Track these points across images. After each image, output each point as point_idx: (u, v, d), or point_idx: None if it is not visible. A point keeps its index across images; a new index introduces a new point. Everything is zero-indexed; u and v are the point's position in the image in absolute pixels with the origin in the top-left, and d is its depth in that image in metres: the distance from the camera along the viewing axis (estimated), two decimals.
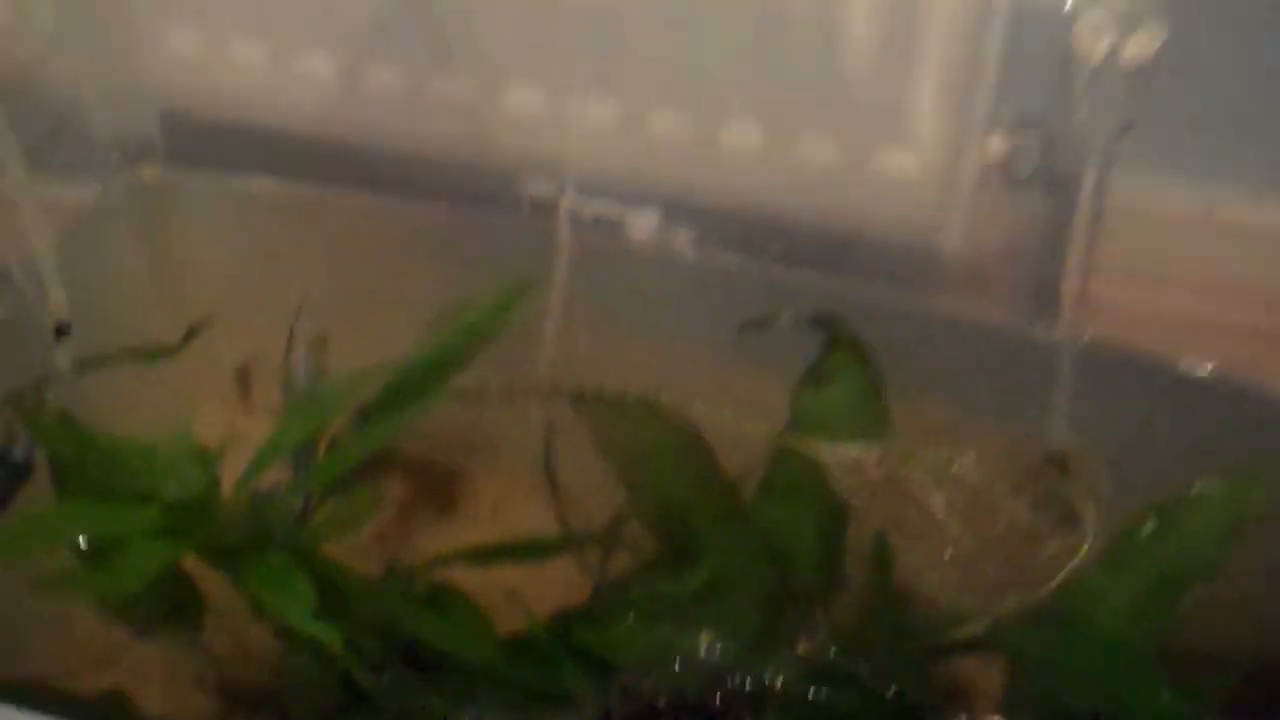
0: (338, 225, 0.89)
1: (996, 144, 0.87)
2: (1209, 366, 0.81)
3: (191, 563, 0.71)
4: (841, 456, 0.69)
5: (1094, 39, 0.82)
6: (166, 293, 0.92)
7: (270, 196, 0.90)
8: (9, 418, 0.75)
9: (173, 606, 0.73)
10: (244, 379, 0.87)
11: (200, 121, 0.93)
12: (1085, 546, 0.67)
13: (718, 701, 0.74)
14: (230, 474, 0.70)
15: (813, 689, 0.72)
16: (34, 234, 0.75)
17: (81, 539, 0.66)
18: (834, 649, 0.73)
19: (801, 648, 0.74)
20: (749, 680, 0.73)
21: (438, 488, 0.90)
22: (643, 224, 0.86)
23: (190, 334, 0.74)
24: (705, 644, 0.73)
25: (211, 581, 0.72)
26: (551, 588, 0.77)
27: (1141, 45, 0.82)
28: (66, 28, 0.86)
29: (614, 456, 0.71)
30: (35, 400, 0.72)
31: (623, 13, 0.88)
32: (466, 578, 0.76)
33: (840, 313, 0.76)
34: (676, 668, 0.74)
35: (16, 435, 0.77)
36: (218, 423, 0.83)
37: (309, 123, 0.93)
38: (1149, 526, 0.69)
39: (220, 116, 0.92)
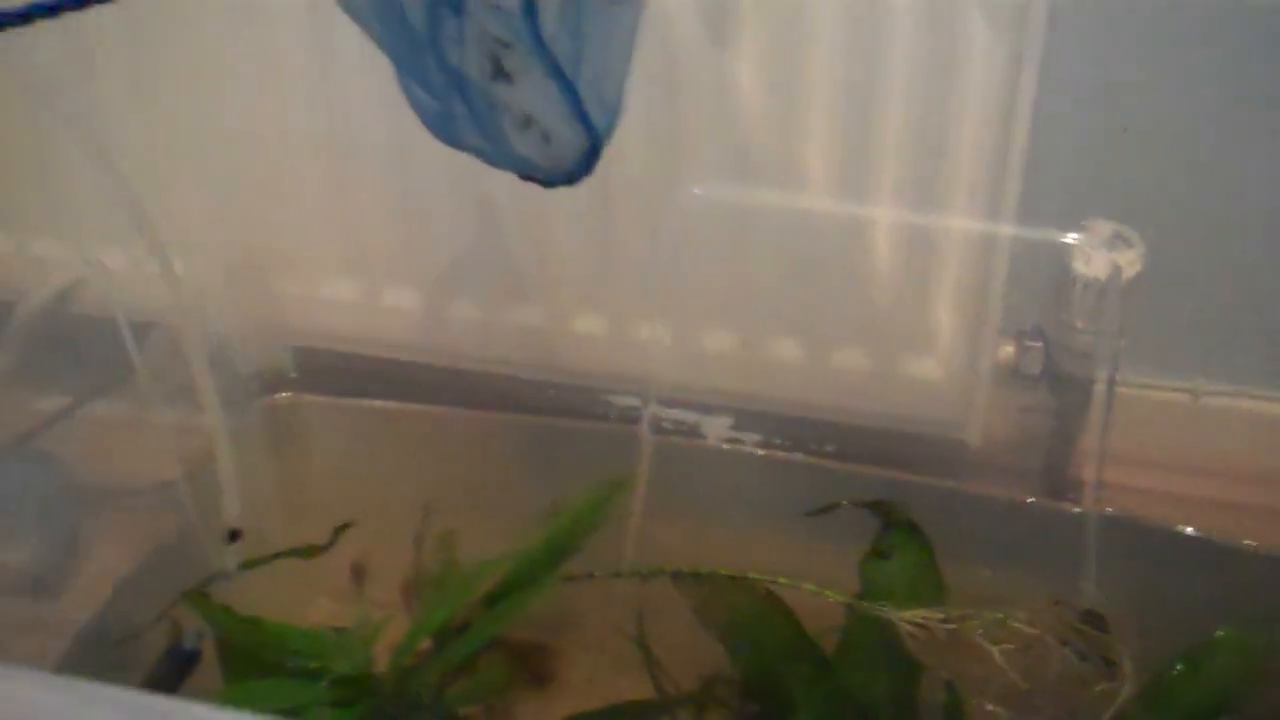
0: (444, 437, 1.00)
1: (1007, 350, 0.97)
2: (1209, 532, 0.93)
3: None
4: (909, 619, 0.80)
5: (1087, 258, 0.94)
6: (292, 498, 1.03)
7: (381, 414, 1.01)
8: (177, 614, 0.85)
9: None
10: (358, 575, 0.97)
11: (323, 353, 1.05)
12: (1125, 688, 0.78)
13: None
14: None
15: None
16: (219, 454, 0.85)
17: None
18: None
19: None
20: None
21: (536, 663, 0.99)
22: (716, 428, 0.98)
23: (336, 535, 0.84)
24: None
25: None
26: None
27: (1129, 262, 0.94)
28: (225, 281, 1.00)
29: (711, 625, 0.81)
30: (205, 596, 0.82)
31: (676, 246, 0.99)
32: None
33: (892, 497, 0.88)
34: None
35: (184, 628, 0.86)
36: (332, 613, 0.94)
37: (407, 349, 1.05)
38: (1179, 669, 0.80)
39: (337, 348, 1.05)
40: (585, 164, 0.70)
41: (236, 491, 0.87)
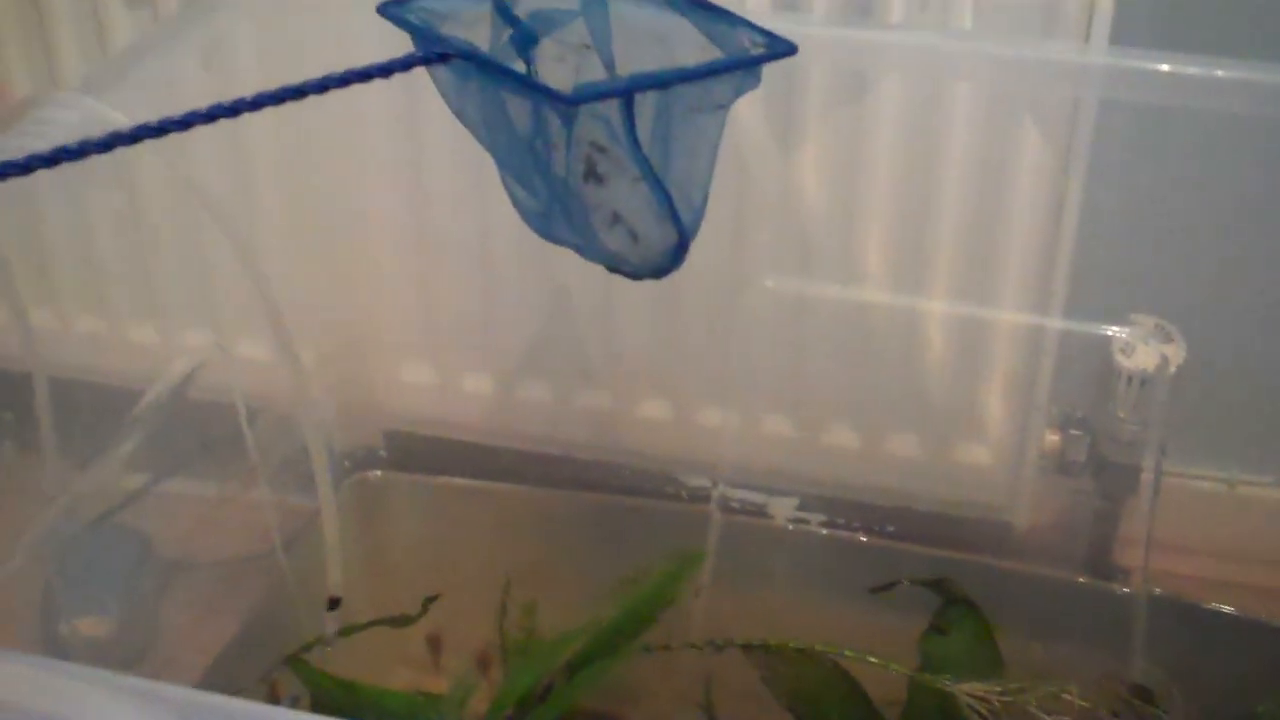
0: (521, 514, 1.04)
1: (1053, 438, 1.01)
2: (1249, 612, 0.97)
3: None
4: (968, 692, 0.84)
5: (1131, 351, 0.98)
6: (377, 571, 1.07)
7: (464, 492, 1.06)
8: (274, 679, 0.89)
9: None
10: (435, 645, 1.01)
11: (409, 435, 1.11)
12: None
13: None
14: None
15: None
16: (327, 525, 0.90)
17: None
18: None
19: None
20: None
21: None
22: (782, 508, 1.02)
23: (426, 605, 0.88)
24: None
25: None
26: None
27: (1172, 355, 0.98)
28: (321, 366, 1.04)
29: (780, 695, 0.85)
30: (305, 661, 0.86)
31: (735, 336, 1.04)
32: None
33: (949, 575, 0.92)
34: None
35: (281, 692, 0.90)
36: (411, 681, 0.98)
37: (485, 432, 1.10)
38: None
39: (421, 430, 1.11)
40: (674, 259, 0.75)
41: (339, 561, 0.92)
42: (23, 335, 0.99)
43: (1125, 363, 0.96)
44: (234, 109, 0.65)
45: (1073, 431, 1.01)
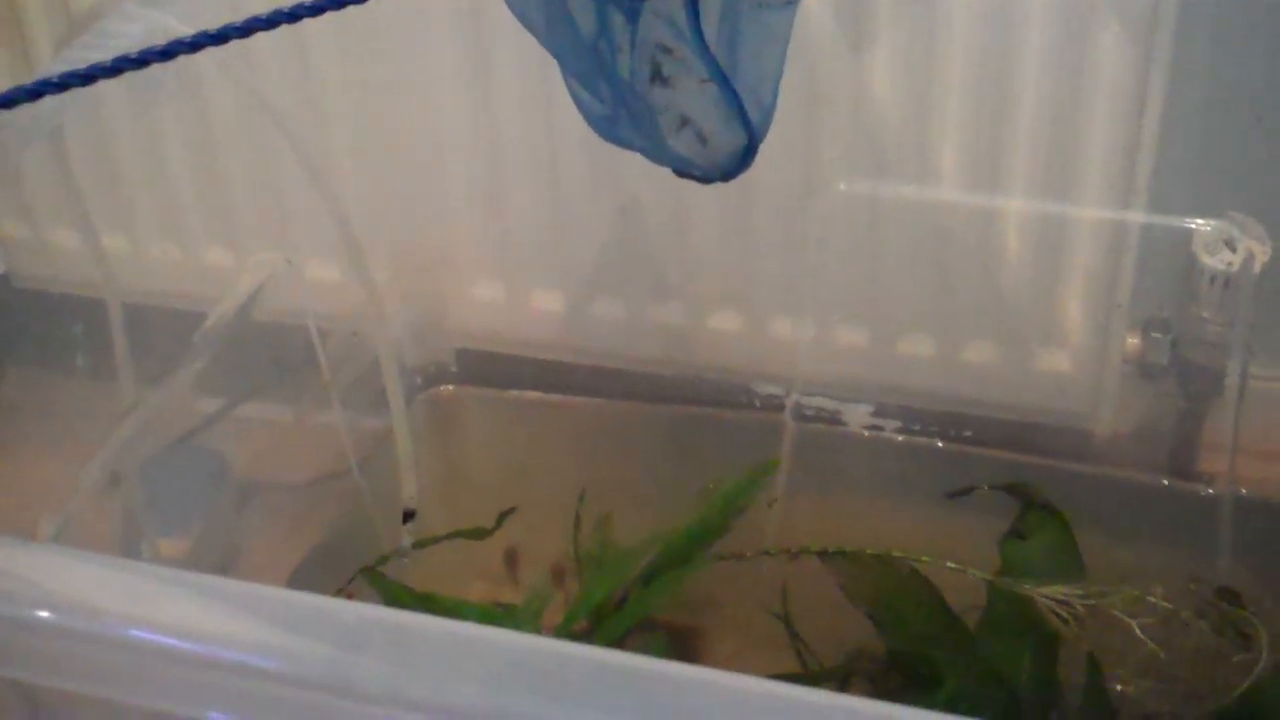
0: (593, 428, 1.05)
1: (1135, 341, 1.00)
2: None
3: None
4: (1048, 596, 0.83)
5: (1214, 249, 0.97)
6: (451, 485, 1.08)
7: (537, 406, 1.07)
8: (351, 590, 0.90)
9: None
10: (511, 559, 1.02)
11: (479, 353, 1.11)
12: (1262, 659, 0.81)
13: None
14: None
15: None
16: (400, 439, 0.91)
17: None
18: None
19: None
20: None
21: (682, 643, 1.04)
22: (857, 415, 1.02)
23: (501, 519, 0.89)
24: None
25: None
26: None
27: (1257, 253, 0.97)
28: (391, 282, 1.06)
29: (859, 601, 0.85)
30: (382, 574, 0.88)
31: (807, 241, 1.03)
32: None
33: (1028, 480, 0.91)
34: None
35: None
36: (488, 594, 0.99)
37: (556, 348, 1.10)
38: None
39: (491, 348, 1.11)
40: (742, 161, 0.75)
41: (413, 475, 0.93)
42: (97, 260, 1.01)
43: (1208, 261, 0.94)
44: (294, 14, 0.65)
45: (1155, 334, 0.99)
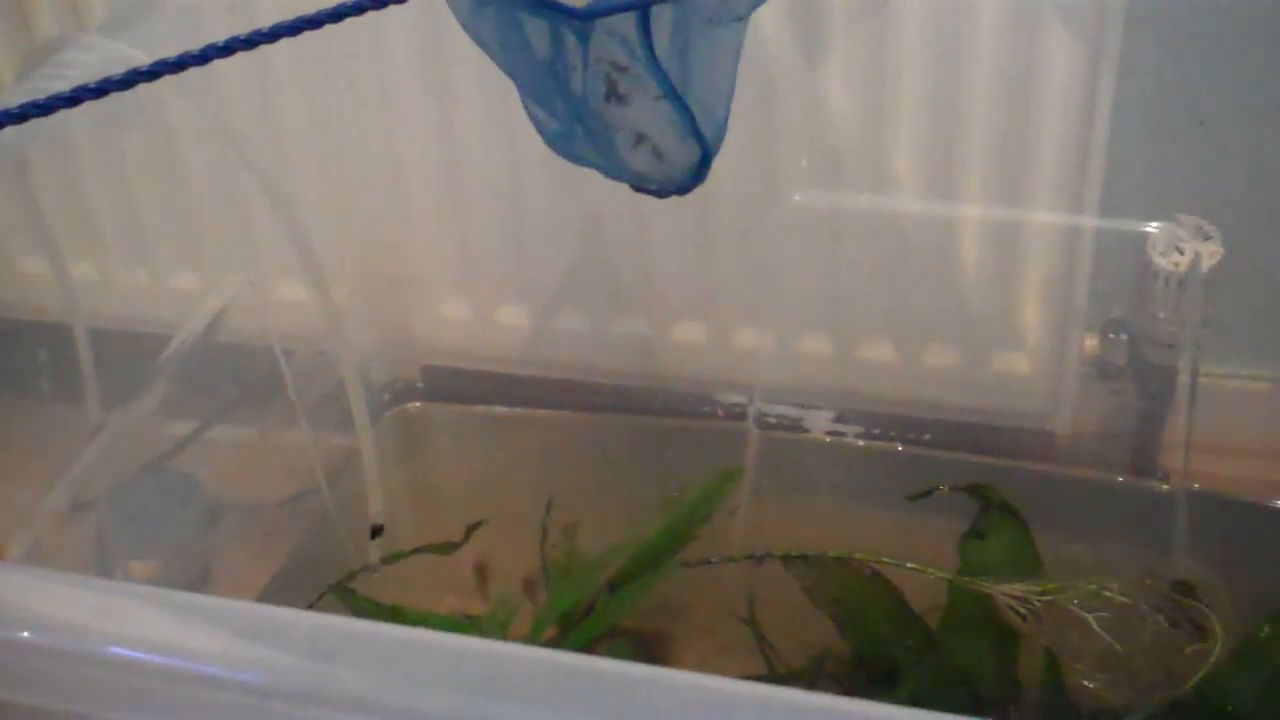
0: (560, 440, 1.07)
1: (1092, 342, 1.03)
2: None
3: None
4: (1007, 593, 0.86)
5: (1166, 251, 0.99)
6: (420, 500, 1.10)
7: (503, 420, 1.09)
8: (321, 608, 0.92)
9: None
10: (481, 572, 1.04)
11: (446, 369, 1.14)
12: (1216, 650, 0.83)
13: None
14: None
15: None
16: (365, 455, 0.94)
17: None
18: None
19: None
20: None
21: (649, 649, 1.05)
22: (818, 422, 1.04)
23: (469, 533, 0.91)
24: None
25: None
26: None
27: (1208, 253, 0.99)
28: (354, 301, 1.08)
29: (823, 604, 0.87)
30: (351, 590, 0.90)
31: (767, 252, 1.05)
32: None
33: (987, 481, 0.94)
34: None
35: None
36: (459, 608, 1.01)
37: (522, 363, 1.12)
38: (1265, 631, 0.85)
39: (458, 364, 1.13)
40: (697, 175, 0.77)
41: (380, 490, 0.95)
42: (63, 285, 1.03)
43: (1161, 262, 0.97)
44: (250, 41, 0.67)
45: (1111, 335, 1.02)
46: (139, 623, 0.53)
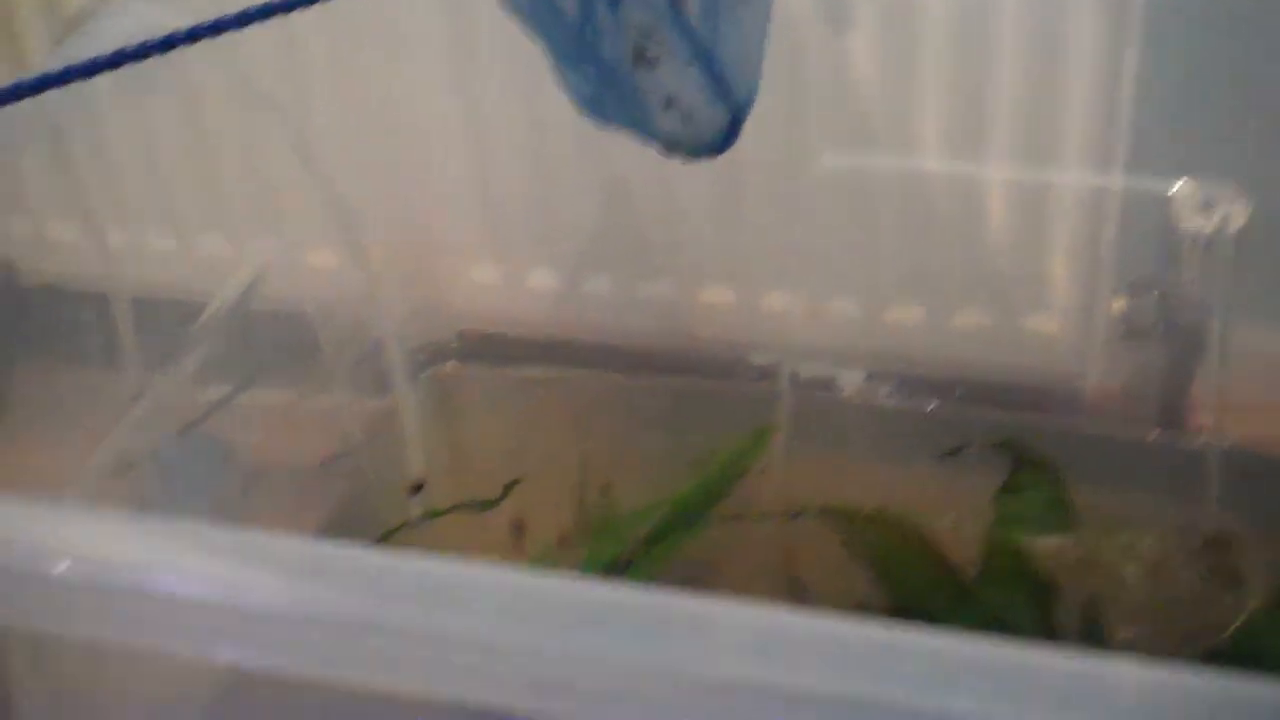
0: (593, 402, 1.08)
1: (1120, 302, 1.03)
2: None
3: None
4: (1044, 547, 0.87)
5: (1194, 213, 1.00)
6: (455, 460, 1.11)
7: (536, 383, 1.09)
8: None
9: None
10: (518, 530, 1.05)
11: (477, 333, 1.15)
12: (1250, 600, 0.84)
13: None
14: None
15: None
16: (404, 412, 0.94)
17: None
18: None
19: None
20: None
21: None
22: (851, 381, 1.05)
23: (507, 490, 0.93)
24: None
25: None
26: None
27: (1235, 213, 1.00)
28: (387, 266, 1.08)
29: (860, 558, 0.89)
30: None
31: (796, 215, 1.06)
32: None
33: (1020, 438, 0.95)
34: None
35: None
36: None
37: (551, 326, 1.13)
38: None
39: (488, 329, 1.14)
40: (726, 138, 0.78)
41: (420, 446, 0.96)
42: (101, 253, 1.04)
43: (1188, 223, 0.97)
44: (288, 5, 0.68)
45: (1139, 295, 1.02)
46: (182, 555, 0.53)
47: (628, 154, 0.78)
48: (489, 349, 1.12)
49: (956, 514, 0.88)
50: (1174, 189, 0.97)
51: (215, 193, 1.13)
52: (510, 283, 1.14)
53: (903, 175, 1.02)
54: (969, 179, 1.01)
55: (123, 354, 0.97)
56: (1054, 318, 1.05)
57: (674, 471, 0.95)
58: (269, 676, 0.54)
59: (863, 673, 0.46)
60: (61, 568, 0.53)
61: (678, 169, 0.87)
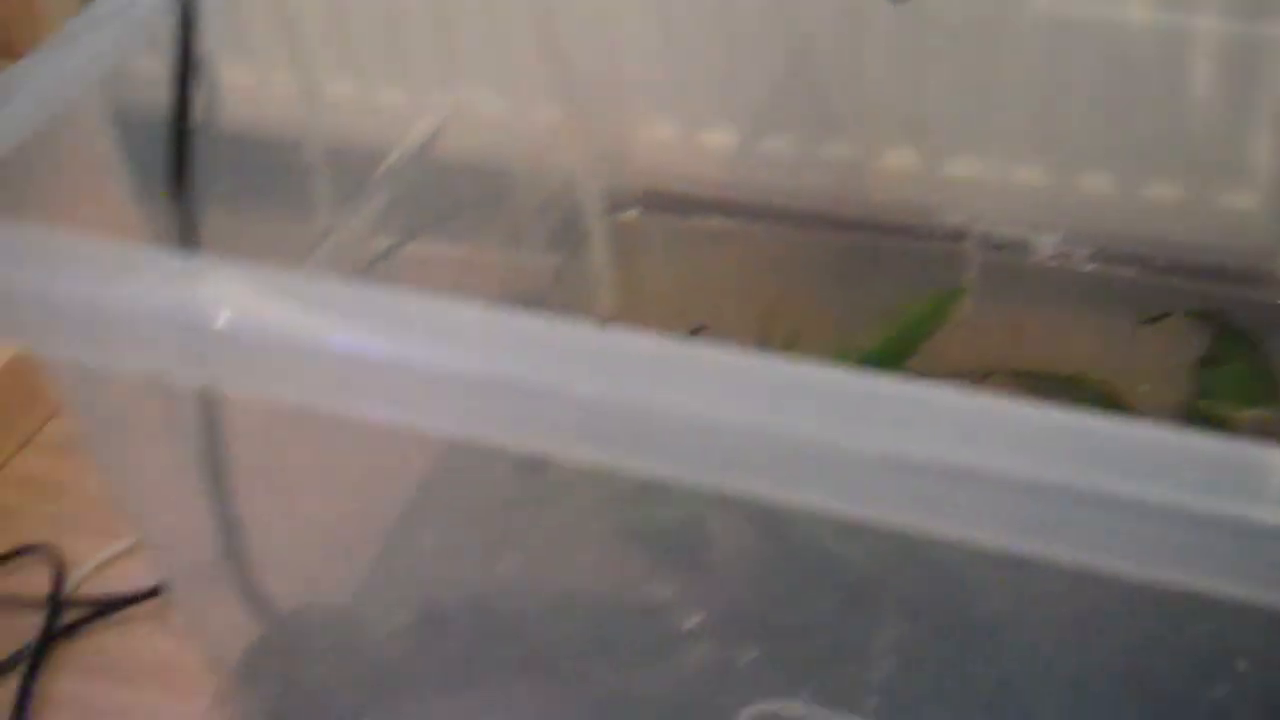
0: (776, 254, 1.07)
1: None
2: None
3: None
4: (1245, 418, 0.85)
5: None
6: (638, 308, 1.11)
7: (718, 233, 1.09)
8: None
9: None
10: None
11: (659, 189, 1.14)
12: None
13: None
14: None
15: None
16: (595, 250, 0.94)
17: None
18: None
19: None
20: None
21: None
22: (1044, 245, 1.03)
23: (694, 335, 0.92)
24: None
25: None
26: None
27: None
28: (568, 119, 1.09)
29: None
30: None
31: (985, 75, 1.03)
32: None
33: (1221, 308, 0.92)
34: None
35: None
36: None
37: (728, 186, 1.12)
38: None
39: (670, 185, 1.13)
40: None
41: (608, 285, 0.95)
42: (306, 99, 1.04)
43: None
44: None
45: None
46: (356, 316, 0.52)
47: (814, 11, 0.76)
48: (669, 202, 1.11)
49: (1152, 383, 0.86)
50: None
51: (392, 42, 1.13)
52: (689, 140, 1.12)
53: (1103, 26, 0.97)
54: (1175, 30, 0.96)
55: (314, 194, 0.97)
56: (1254, 193, 1.01)
57: (858, 326, 0.94)
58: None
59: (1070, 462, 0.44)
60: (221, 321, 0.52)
61: (865, 27, 0.84)
